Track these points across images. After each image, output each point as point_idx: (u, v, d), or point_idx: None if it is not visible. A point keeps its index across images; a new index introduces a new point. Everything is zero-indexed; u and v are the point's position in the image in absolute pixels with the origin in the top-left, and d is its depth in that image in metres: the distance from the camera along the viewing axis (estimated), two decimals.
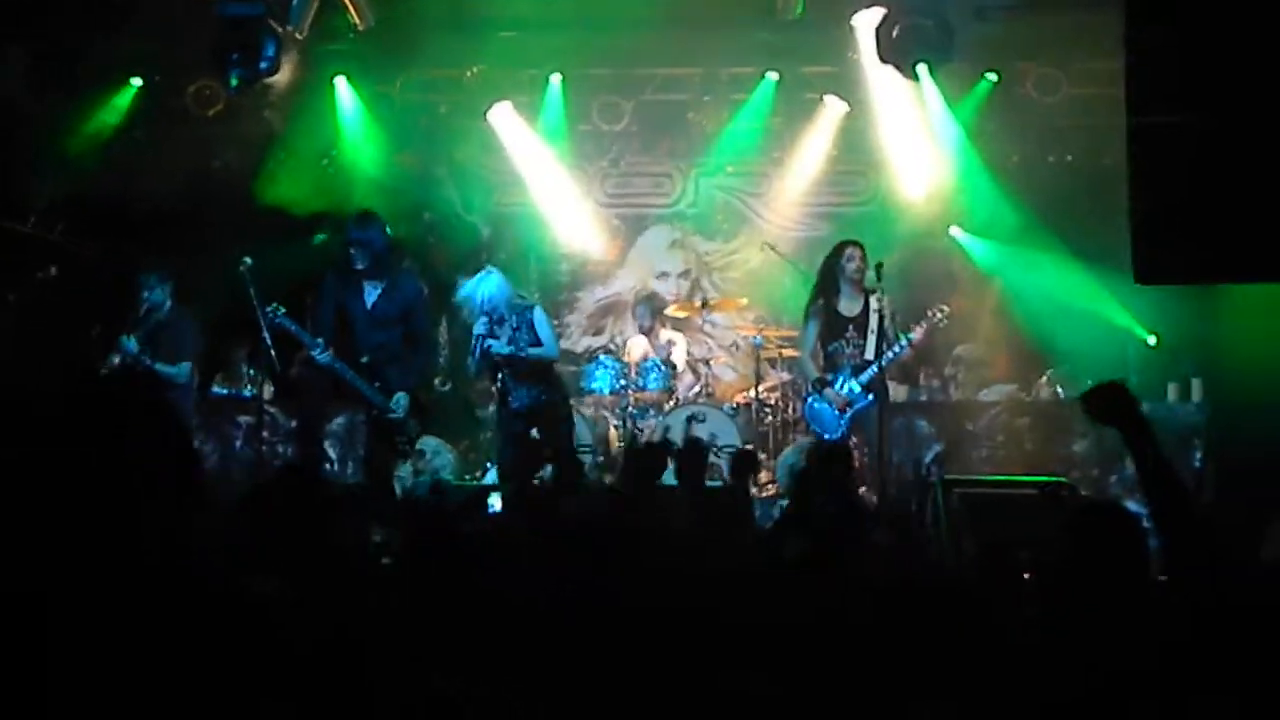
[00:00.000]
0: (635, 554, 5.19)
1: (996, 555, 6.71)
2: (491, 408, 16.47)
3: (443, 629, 4.57)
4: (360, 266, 12.81)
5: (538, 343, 13.28)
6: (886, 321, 13.57)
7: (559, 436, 13.51)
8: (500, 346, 13.04)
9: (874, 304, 13.55)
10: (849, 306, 13.70)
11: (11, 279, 14.29)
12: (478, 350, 13.15)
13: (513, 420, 13.41)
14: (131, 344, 13.18)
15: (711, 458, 14.88)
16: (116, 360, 13.18)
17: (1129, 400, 5.08)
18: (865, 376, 13.46)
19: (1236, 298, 14.34)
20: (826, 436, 13.50)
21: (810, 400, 13.93)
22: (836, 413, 13.56)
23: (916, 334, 13.59)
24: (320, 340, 12.54)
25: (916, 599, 4.55)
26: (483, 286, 13.24)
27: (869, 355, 13.49)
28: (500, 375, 13.29)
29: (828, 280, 13.87)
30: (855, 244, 13.87)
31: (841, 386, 13.54)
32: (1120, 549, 5.21)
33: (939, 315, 13.61)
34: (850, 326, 13.66)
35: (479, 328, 13.17)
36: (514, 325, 13.19)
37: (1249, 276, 9.84)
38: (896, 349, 13.53)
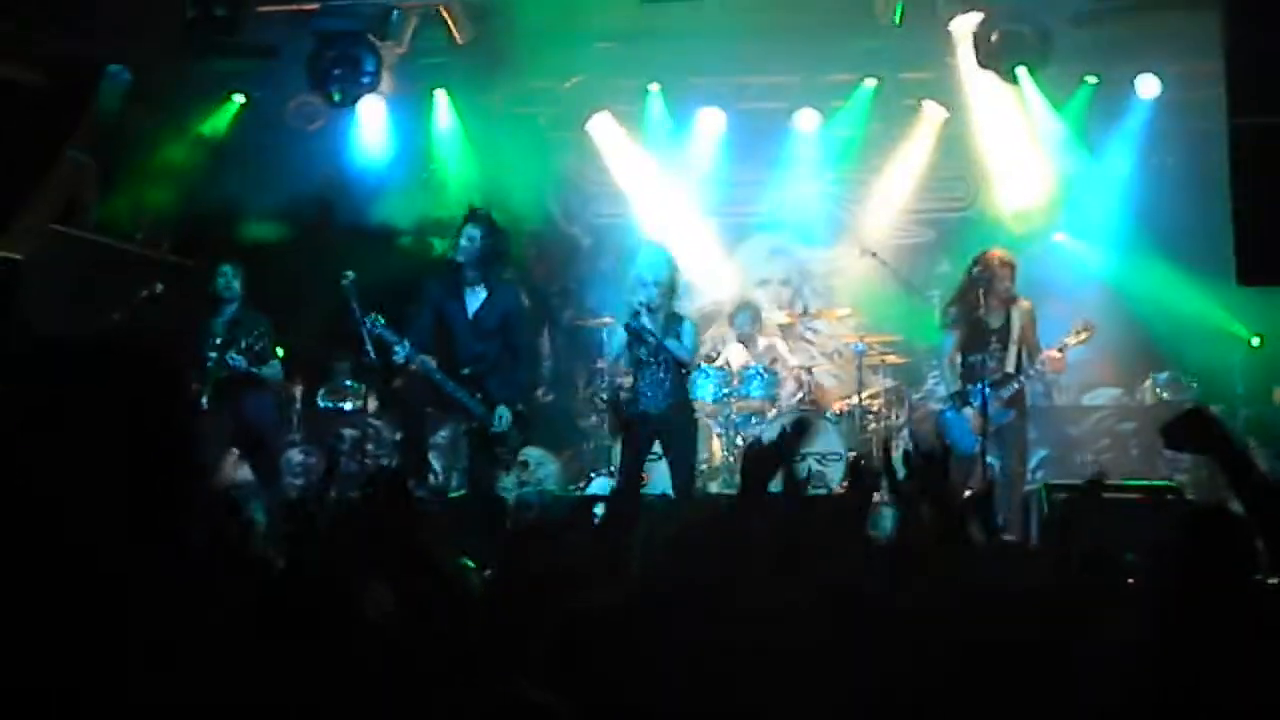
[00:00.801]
0: (735, 565, 5.20)
1: (1100, 561, 6.66)
2: (594, 418, 16.56)
3: (537, 643, 4.60)
4: (461, 260, 12.90)
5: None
6: (1030, 332, 13.31)
7: (685, 451, 13.43)
8: (647, 320, 12.88)
9: (1016, 316, 13.26)
10: (993, 318, 13.36)
11: (118, 296, 14.42)
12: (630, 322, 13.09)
13: (639, 423, 13.31)
14: (239, 360, 13.38)
15: (816, 465, 14.90)
16: (225, 375, 13.40)
17: (1213, 425, 4.97)
18: (1006, 391, 13.11)
19: None
20: (957, 449, 13.15)
21: (946, 412, 13.65)
22: (972, 431, 13.22)
23: (1055, 355, 13.24)
24: (406, 340, 12.62)
25: (1011, 605, 4.54)
26: (651, 257, 13.24)
27: (1009, 368, 13.22)
28: (636, 369, 13.24)
29: (972, 291, 13.58)
30: (1007, 263, 13.45)
31: (979, 401, 13.24)
32: (1231, 554, 5.18)
33: (1083, 333, 13.26)
34: (992, 338, 13.34)
35: (641, 295, 13.07)
36: (665, 317, 13.12)
37: None
38: (1038, 367, 13.22)
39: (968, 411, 13.18)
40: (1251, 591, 5.17)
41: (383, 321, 12.72)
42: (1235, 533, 5.31)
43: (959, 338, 13.50)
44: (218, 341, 13.54)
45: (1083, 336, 13.20)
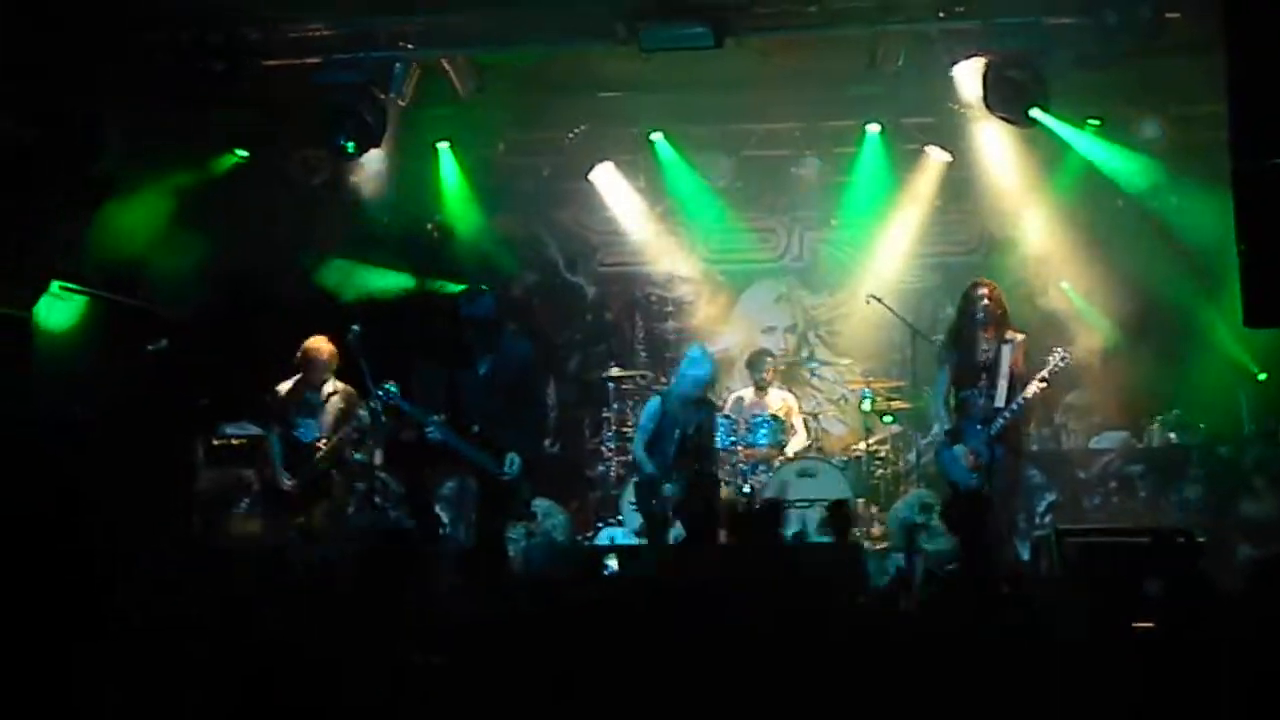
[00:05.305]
0: (739, 615, 5.20)
1: (1111, 607, 6.65)
2: (602, 468, 16.57)
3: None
4: (471, 343, 12.87)
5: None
6: (1020, 366, 13.10)
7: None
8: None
9: (1006, 350, 13.05)
10: (982, 352, 13.07)
11: (122, 352, 14.41)
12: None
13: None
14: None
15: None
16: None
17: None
18: (995, 426, 12.85)
19: None
20: (960, 486, 13.08)
21: (941, 449, 13.51)
22: (968, 469, 13.06)
23: (1038, 387, 12.99)
24: (434, 417, 12.50)
25: (1023, 655, 4.56)
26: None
27: (999, 403, 13.04)
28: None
29: (960, 324, 13.43)
30: (985, 284, 13.33)
31: (971, 438, 13.13)
32: None
33: (1059, 361, 13.05)
34: (983, 374, 13.07)
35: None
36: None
37: None
38: (1020, 400, 12.97)
39: (959, 449, 13.02)
40: None
41: (397, 390, 12.63)
42: None
43: (951, 374, 13.34)
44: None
45: (1058, 363, 12.94)
